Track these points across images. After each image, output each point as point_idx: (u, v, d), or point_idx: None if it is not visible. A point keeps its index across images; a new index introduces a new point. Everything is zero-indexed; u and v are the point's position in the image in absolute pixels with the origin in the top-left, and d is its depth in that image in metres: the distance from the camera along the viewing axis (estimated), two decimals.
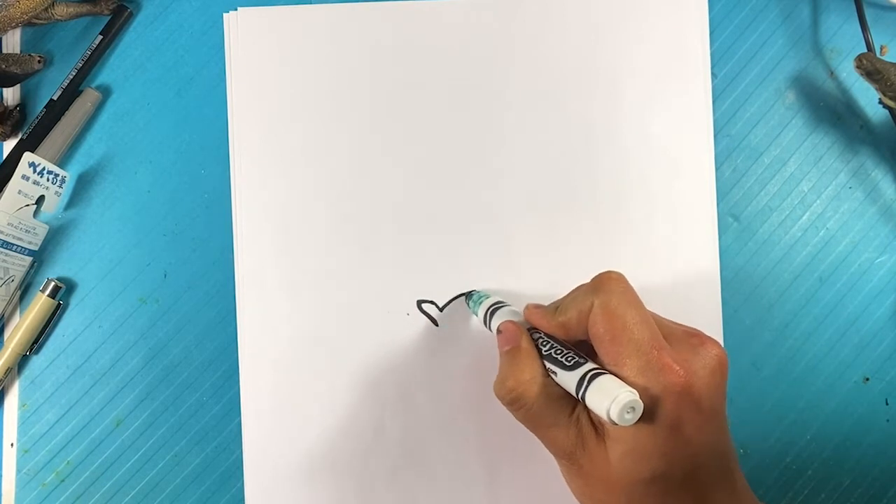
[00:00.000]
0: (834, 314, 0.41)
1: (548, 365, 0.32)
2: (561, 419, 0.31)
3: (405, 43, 0.42)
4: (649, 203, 0.41)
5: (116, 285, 0.42)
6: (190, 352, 0.41)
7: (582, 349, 0.32)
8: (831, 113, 0.42)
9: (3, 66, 0.40)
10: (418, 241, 0.41)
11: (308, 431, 0.40)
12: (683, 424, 0.28)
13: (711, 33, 0.42)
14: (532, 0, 0.42)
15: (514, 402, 0.32)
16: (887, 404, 0.41)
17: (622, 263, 0.41)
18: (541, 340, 0.33)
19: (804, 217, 0.42)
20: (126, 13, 0.42)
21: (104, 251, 0.42)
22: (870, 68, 0.38)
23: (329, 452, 0.40)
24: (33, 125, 0.41)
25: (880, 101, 0.40)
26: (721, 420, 0.30)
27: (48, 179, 0.40)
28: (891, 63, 0.38)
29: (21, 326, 0.40)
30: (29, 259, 0.41)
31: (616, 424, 0.27)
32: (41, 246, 0.42)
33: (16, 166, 0.38)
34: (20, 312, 0.42)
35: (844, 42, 0.42)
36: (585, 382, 0.29)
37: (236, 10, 0.42)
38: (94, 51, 0.42)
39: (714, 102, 0.42)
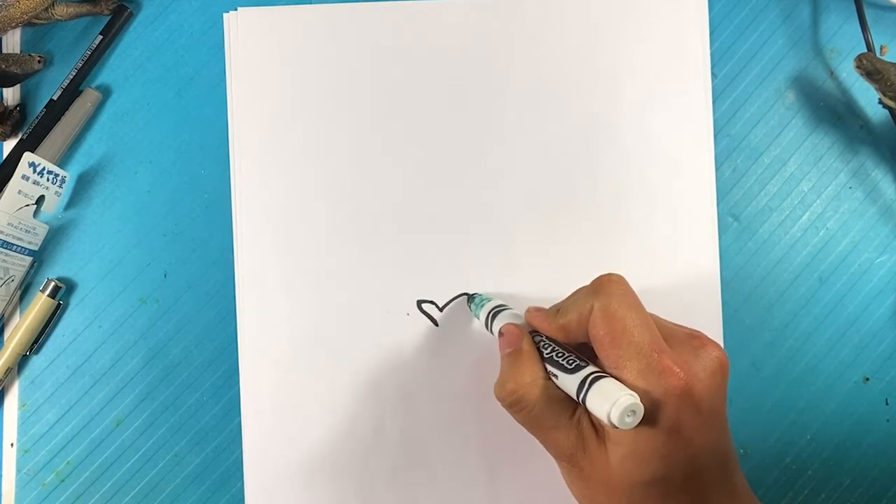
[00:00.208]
0: (834, 314, 0.41)
1: (549, 368, 0.32)
2: (561, 422, 0.31)
3: (405, 43, 0.42)
4: (649, 203, 0.41)
5: (116, 285, 0.42)
6: (190, 352, 0.41)
7: (583, 352, 0.32)
8: (831, 113, 0.42)
9: (3, 66, 0.40)
10: (418, 241, 0.41)
11: (308, 431, 0.40)
12: (684, 427, 0.28)
13: (711, 33, 0.42)
14: (532, 0, 0.42)
15: (515, 405, 0.32)
16: (887, 404, 0.41)
17: (622, 263, 0.41)
18: (542, 343, 0.33)
19: (804, 217, 0.42)
20: (126, 13, 0.42)
21: (104, 251, 0.42)
22: (870, 68, 0.38)
23: (329, 452, 0.40)
24: (33, 125, 0.41)
25: (880, 101, 0.40)
26: (721, 422, 0.30)
27: (48, 179, 0.40)
28: (891, 63, 0.38)
29: (21, 326, 0.40)
30: (29, 259, 0.41)
31: (617, 428, 0.27)
32: (41, 246, 0.42)
33: (16, 166, 0.38)
34: (20, 312, 0.42)
35: (844, 42, 0.42)
36: (586, 386, 0.29)
37: (236, 10, 0.42)
38: (94, 51, 0.42)
39: (714, 102, 0.42)
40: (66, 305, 0.42)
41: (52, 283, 0.41)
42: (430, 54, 0.42)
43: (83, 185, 0.42)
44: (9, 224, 0.39)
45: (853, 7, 0.42)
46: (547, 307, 0.34)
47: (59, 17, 0.41)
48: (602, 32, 0.42)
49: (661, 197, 0.41)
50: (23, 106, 0.43)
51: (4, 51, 0.43)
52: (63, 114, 0.41)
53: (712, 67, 0.42)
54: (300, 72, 0.42)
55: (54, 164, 0.40)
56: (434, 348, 0.41)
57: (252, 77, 0.42)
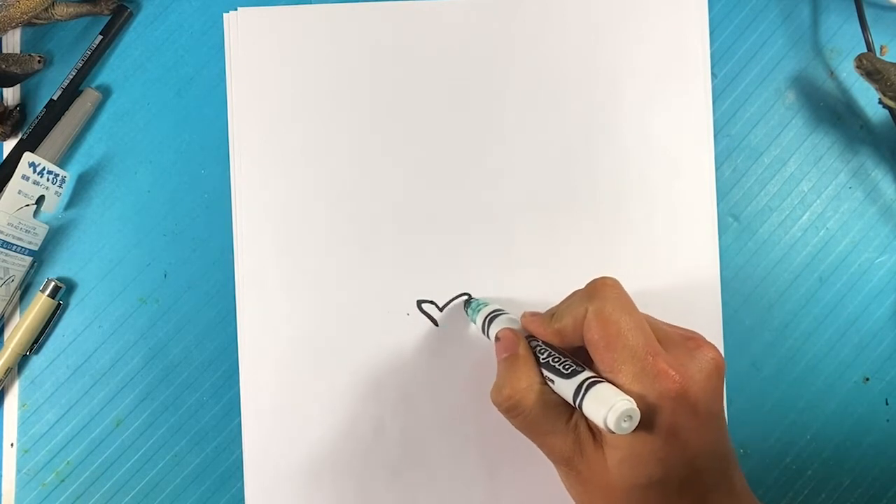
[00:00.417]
0: (834, 314, 0.41)
1: (545, 373, 0.32)
2: (558, 426, 0.31)
3: (405, 43, 0.42)
4: (649, 203, 0.41)
5: (116, 285, 0.42)
6: (190, 352, 0.41)
7: (579, 356, 0.32)
8: (831, 113, 0.42)
9: (3, 66, 0.40)
10: (418, 241, 0.41)
11: (308, 431, 0.40)
12: (680, 429, 0.28)
13: (711, 33, 0.42)
14: (532, 0, 0.42)
15: (511, 410, 0.32)
16: (887, 404, 0.41)
17: (622, 263, 0.41)
18: (538, 348, 0.33)
19: (804, 217, 0.42)
20: (126, 13, 0.42)
21: (104, 251, 0.42)
22: (870, 68, 0.38)
23: (329, 452, 0.40)
24: (33, 125, 0.41)
25: (880, 101, 0.40)
26: (718, 423, 0.30)
27: (48, 179, 0.40)
28: (891, 63, 0.38)
29: (21, 326, 0.40)
30: (29, 259, 0.41)
31: (613, 433, 0.27)
32: (41, 246, 0.42)
33: (16, 166, 0.38)
34: (20, 312, 0.42)
35: (844, 42, 0.42)
36: (582, 391, 0.29)
37: (236, 10, 0.42)
38: (94, 51, 0.42)
39: (714, 102, 0.42)
40: (66, 305, 0.42)
41: (52, 283, 0.41)
42: (430, 54, 0.42)
43: (83, 185, 0.42)
44: (9, 224, 0.39)
45: (853, 7, 0.42)
46: (544, 310, 0.34)
47: (59, 17, 0.41)
48: (602, 32, 0.42)
49: (661, 197, 0.41)
50: (23, 106, 0.43)
51: (4, 51, 0.43)
52: (63, 114, 0.41)
53: (712, 67, 0.42)
54: (300, 72, 0.42)
55: (54, 164, 0.40)
56: (434, 348, 0.41)
57: (252, 77, 0.42)
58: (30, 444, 0.41)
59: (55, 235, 0.42)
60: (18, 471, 0.41)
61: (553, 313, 0.33)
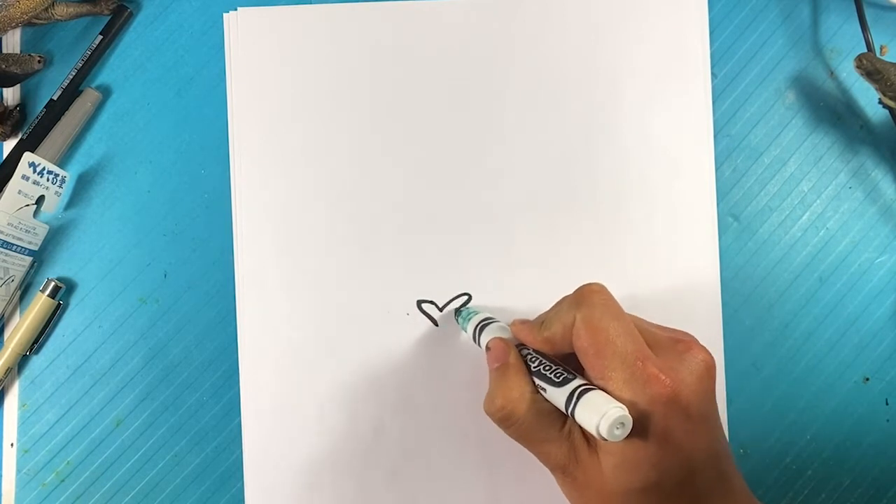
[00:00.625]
0: (834, 314, 0.41)
1: (537, 381, 0.32)
2: (552, 434, 0.31)
3: (405, 43, 0.42)
4: (649, 203, 0.41)
5: (116, 285, 0.42)
6: (190, 352, 0.41)
7: (569, 362, 0.32)
8: (831, 113, 0.42)
9: (3, 66, 0.40)
10: (418, 241, 0.41)
11: (308, 431, 0.40)
12: (673, 433, 0.28)
13: (711, 33, 0.42)
14: (532, 0, 0.42)
15: (505, 420, 0.32)
16: (887, 404, 0.41)
17: (622, 263, 0.41)
18: (529, 357, 0.33)
19: (804, 217, 0.42)
20: (126, 13, 0.42)
21: (104, 251, 0.42)
22: (870, 68, 0.38)
23: (329, 452, 0.40)
24: (33, 125, 0.41)
25: (880, 101, 0.40)
26: (712, 424, 0.30)
27: (48, 179, 0.40)
28: (891, 63, 0.38)
29: (21, 326, 0.40)
30: (29, 259, 0.41)
31: (606, 440, 0.27)
32: (41, 246, 0.42)
33: (16, 166, 0.38)
34: (20, 312, 0.42)
35: (844, 42, 0.42)
36: (574, 399, 0.29)
37: (236, 10, 0.42)
38: (94, 51, 0.42)
39: (714, 102, 0.42)
40: (66, 305, 0.42)
41: (52, 283, 0.41)
42: (430, 54, 0.42)
43: (83, 185, 0.42)
44: (9, 224, 0.39)
45: (853, 7, 0.42)
46: (544, 310, 0.34)
47: (59, 17, 0.41)
48: (602, 32, 0.42)
49: (661, 197, 0.41)
50: (23, 106, 0.43)
51: (4, 51, 0.43)
52: (63, 114, 0.41)
53: (712, 67, 0.42)
54: (300, 72, 0.42)
55: (54, 164, 0.40)
56: (434, 348, 0.41)
57: (252, 77, 0.42)
58: (30, 444, 0.41)
59: (55, 235, 0.42)
60: (18, 471, 0.41)
61: (542, 321, 0.33)
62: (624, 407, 0.27)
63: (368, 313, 0.41)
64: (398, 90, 0.42)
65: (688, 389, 0.29)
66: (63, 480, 0.41)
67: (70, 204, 0.42)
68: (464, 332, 0.39)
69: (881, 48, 0.43)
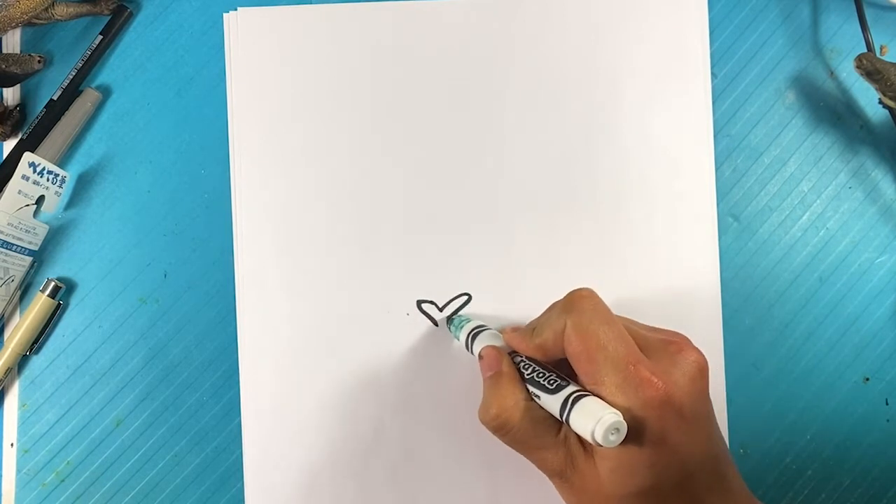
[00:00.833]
0: (834, 314, 0.41)
1: (531, 388, 0.32)
2: (548, 440, 0.31)
3: (405, 43, 0.42)
4: (649, 203, 0.41)
5: (116, 285, 0.42)
6: (190, 352, 0.41)
7: (562, 368, 0.32)
8: (831, 113, 0.42)
9: (3, 66, 0.40)
10: (418, 241, 0.41)
11: (308, 431, 0.40)
12: (668, 435, 0.28)
13: (711, 33, 0.42)
14: (532, 0, 0.42)
15: (500, 429, 0.32)
16: (887, 404, 0.41)
17: (622, 263, 0.41)
18: (522, 364, 0.33)
19: (804, 217, 0.42)
20: (126, 13, 0.42)
21: (104, 251, 0.42)
22: (870, 68, 0.38)
23: (329, 452, 0.40)
24: (33, 125, 0.41)
25: (880, 101, 0.40)
26: (707, 425, 0.30)
27: (48, 179, 0.40)
28: (891, 63, 0.38)
29: (21, 326, 0.40)
30: (29, 259, 0.41)
31: (601, 446, 0.27)
32: (41, 246, 0.42)
33: (16, 166, 0.38)
34: (20, 312, 0.42)
35: (844, 42, 0.42)
36: (568, 406, 0.29)
37: (236, 10, 0.42)
38: (94, 51, 0.42)
39: (714, 102, 0.42)
40: (66, 305, 0.42)
41: (52, 283, 0.41)
42: (430, 54, 0.42)
43: (83, 185, 0.42)
44: (9, 224, 0.39)
45: (853, 7, 0.42)
46: (529, 321, 0.34)
47: (59, 17, 0.41)
48: (602, 32, 0.42)
49: (661, 197, 0.41)
50: (23, 106, 0.43)
51: (4, 51, 0.43)
52: (63, 114, 0.41)
53: (712, 67, 0.42)
54: (300, 72, 0.42)
55: (54, 164, 0.40)
56: (434, 348, 0.41)
57: (252, 77, 0.42)
58: (30, 444, 0.41)
59: (55, 235, 0.42)
60: (18, 471, 0.41)
61: (534, 328, 0.33)
62: (618, 412, 0.27)
63: (368, 313, 0.41)
64: (398, 90, 0.42)
65: (681, 391, 0.29)
66: (63, 480, 0.41)
67: (70, 204, 0.42)
68: (456, 340, 0.39)
69: (881, 48, 0.43)
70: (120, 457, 0.41)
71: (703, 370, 0.30)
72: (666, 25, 0.42)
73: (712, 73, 0.42)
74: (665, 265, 0.41)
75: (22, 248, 0.40)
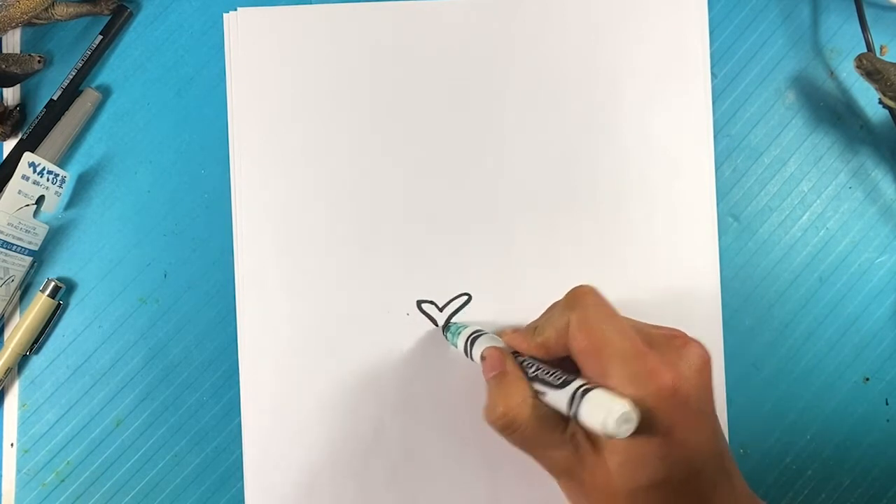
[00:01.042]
0: (834, 314, 0.41)
1: (535, 386, 0.32)
2: (555, 438, 0.31)
3: (405, 43, 0.42)
4: (649, 203, 0.41)
5: (116, 285, 0.42)
6: (190, 352, 0.41)
7: (564, 367, 0.31)
8: (831, 113, 0.42)
9: (3, 66, 0.40)
10: (418, 241, 0.41)
11: (308, 431, 0.40)
12: (677, 427, 0.28)
13: (711, 33, 0.42)
14: (532, 0, 0.42)
15: (508, 427, 0.31)
16: (887, 404, 0.41)
17: (622, 263, 0.41)
18: (525, 363, 0.33)
19: (804, 217, 0.42)
20: (126, 13, 0.42)
21: (104, 251, 0.42)
22: (870, 68, 0.38)
23: (329, 452, 0.40)
24: (33, 125, 0.41)
25: (880, 101, 0.40)
26: (712, 420, 0.30)
27: (48, 179, 0.40)
28: (891, 63, 0.38)
29: (21, 326, 0.40)
30: (29, 259, 0.41)
31: (613, 437, 0.27)
32: (41, 246, 0.42)
33: (16, 166, 0.38)
34: (20, 312, 0.42)
35: (844, 42, 0.42)
36: (577, 398, 0.28)
37: (236, 10, 0.42)
38: (94, 51, 0.42)
39: (714, 102, 0.42)
40: (66, 305, 0.42)
41: (52, 283, 0.41)
42: (430, 54, 0.42)
43: (83, 185, 0.42)
44: (9, 224, 0.39)
45: (853, 7, 0.42)
46: (530, 321, 0.34)
47: (59, 17, 0.41)
48: (602, 32, 0.42)
49: (661, 197, 0.41)
50: (23, 106, 0.43)
51: (4, 51, 0.43)
52: (63, 114, 0.41)
53: (712, 67, 0.42)
54: (300, 72, 0.42)
55: (54, 164, 0.40)
56: (434, 348, 0.41)
57: (252, 77, 0.42)
58: (30, 444, 0.41)
59: (55, 235, 0.42)
60: (18, 471, 0.41)
61: (535, 327, 0.33)
62: (629, 401, 0.27)
63: (368, 313, 0.41)
64: (398, 90, 0.42)
65: (688, 383, 0.29)
66: (63, 480, 0.41)
67: (70, 204, 0.42)
68: (453, 348, 0.39)
69: (881, 48, 0.43)
70: (120, 457, 0.41)
71: (707, 363, 0.30)
72: (666, 25, 0.42)
73: (712, 73, 0.42)
74: (665, 265, 0.41)
75: (22, 248, 0.40)
